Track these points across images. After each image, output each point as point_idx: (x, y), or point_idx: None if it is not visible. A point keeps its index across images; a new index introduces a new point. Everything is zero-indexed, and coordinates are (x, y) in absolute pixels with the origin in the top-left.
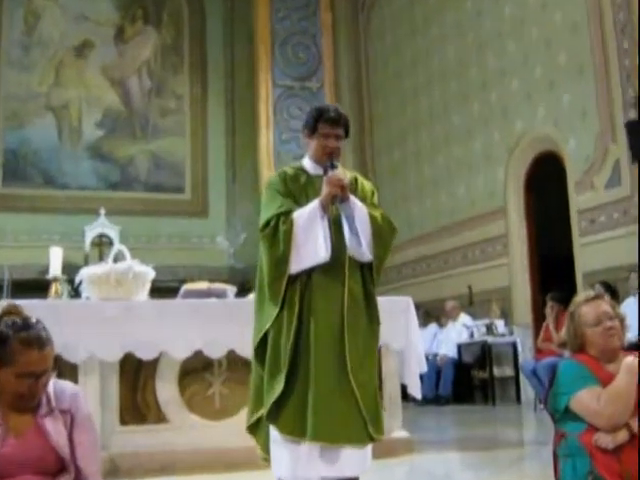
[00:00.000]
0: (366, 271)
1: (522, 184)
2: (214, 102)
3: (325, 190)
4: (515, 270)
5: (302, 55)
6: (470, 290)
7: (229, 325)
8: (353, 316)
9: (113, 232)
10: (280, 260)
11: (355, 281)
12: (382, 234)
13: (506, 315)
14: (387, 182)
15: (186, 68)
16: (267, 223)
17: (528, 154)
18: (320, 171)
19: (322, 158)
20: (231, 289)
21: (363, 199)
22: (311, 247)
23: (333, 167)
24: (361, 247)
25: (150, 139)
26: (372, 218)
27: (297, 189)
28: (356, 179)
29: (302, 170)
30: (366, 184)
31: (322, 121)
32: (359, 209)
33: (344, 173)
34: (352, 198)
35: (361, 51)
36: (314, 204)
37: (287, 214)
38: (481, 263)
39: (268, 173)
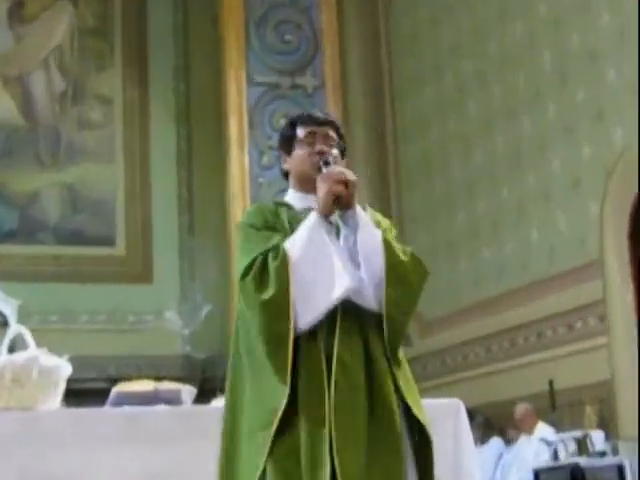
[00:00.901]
0: (374, 333)
1: (626, 225)
2: (159, 111)
3: (322, 189)
4: (619, 355)
5: (290, 38)
6: (551, 387)
7: (185, 447)
8: (348, 414)
9: (8, 307)
10: (275, 314)
11: (352, 343)
12: (403, 272)
13: (607, 425)
14: (421, 228)
15: (117, 61)
16: (249, 266)
17: (633, 179)
18: (310, 202)
19: (309, 170)
20: (188, 391)
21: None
22: (324, 279)
23: (327, 164)
24: (361, 283)
25: (63, 166)
26: (388, 246)
27: (280, 225)
28: (374, 214)
29: (284, 205)
30: (380, 217)
31: (300, 124)
32: (366, 227)
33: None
34: (359, 210)
35: (380, 32)
36: (311, 218)
37: (277, 249)
38: (567, 346)
39: (242, 214)
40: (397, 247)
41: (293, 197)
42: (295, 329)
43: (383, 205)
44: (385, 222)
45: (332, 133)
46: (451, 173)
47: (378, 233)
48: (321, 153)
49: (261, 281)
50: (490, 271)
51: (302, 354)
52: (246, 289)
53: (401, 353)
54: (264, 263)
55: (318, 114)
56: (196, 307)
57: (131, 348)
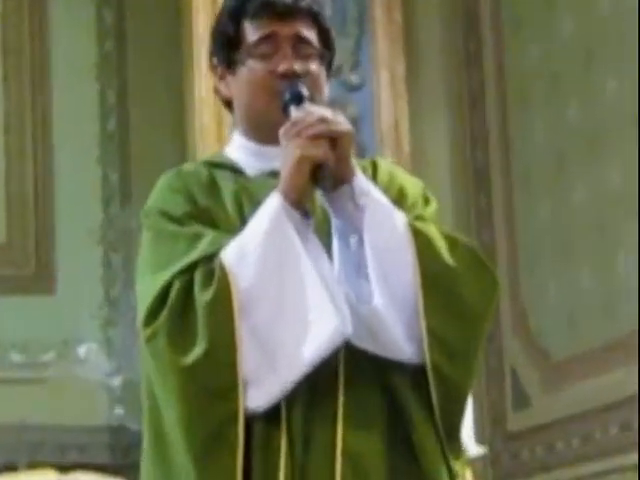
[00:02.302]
0: (410, 398)
1: None
2: (75, 28)
3: (289, 152)
4: None
5: None
6: None
7: None
8: None
9: None
10: (208, 388)
11: (368, 422)
12: (452, 287)
13: None
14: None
15: None
16: (158, 300)
17: None
18: (271, 160)
19: (267, 107)
20: None
21: (397, 203)
22: (295, 320)
23: (300, 99)
24: (372, 309)
25: None
26: (422, 242)
27: (217, 208)
28: (374, 163)
29: (225, 167)
30: (403, 175)
31: (248, 16)
32: (378, 213)
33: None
34: (360, 180)
35: None
36: (270, 206)
37: (209, 263)
38: None
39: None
40: (438, 239)
41: (241, 150)
42: (245, 412)
43: None
44: (411, 185)
45: (308, 32)
46: None
47: (400, 219)
48: (287, 76)
49: (181, 331)
50: None
51: (258, 454)
52: (153, 344)
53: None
54: (186, 294)
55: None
56: (133, 336)
57: (17, 412)
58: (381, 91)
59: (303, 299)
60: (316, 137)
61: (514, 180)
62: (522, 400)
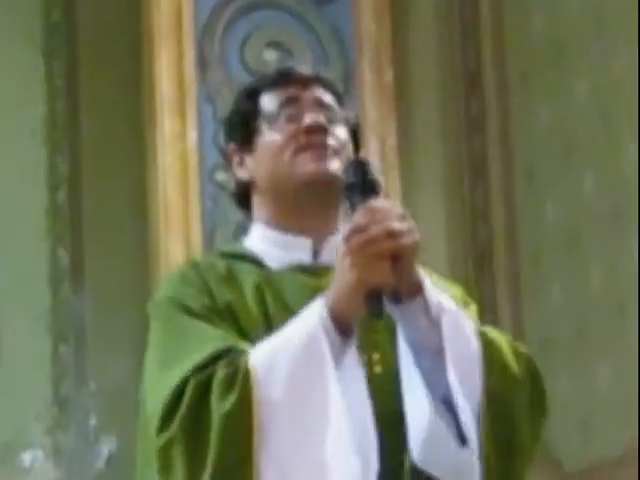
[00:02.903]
0: None
1: None
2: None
3: (347, 271)
4: None
5: None
6: None
7: None
8: None
9: None
10: None
11: None
12: (522, 404)
13: None
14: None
15: None
16: (172, 403)
17: None
18: (301, 251)
19: (297, 170)
20: None
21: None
22: (313, 457)
23: (366, 184)
24: (465, 448)
25: None
26: (496, 354)
27: (236, 297)
28: None
29: (245, 259)
30: (442, 280)
31: (267, 88)
32: (459, 321)
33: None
34: (430, 288)
35: None
36: (311, 319)
37: (230, 357)
38: None
39: (163, 281)
40: (503, 346)
41: (262, 240)
42: None
43: None
44: (453, 289)
45: (327, 97)
46: None
47: (472, 327)
48: (313, 130)
49: (195, 443)
50: None
51: None
52: (167, 454)
53: None
54: (201, 397)
55: (298, 65)
56: (85, 442)
57: None
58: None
59: (324, 432)
60: (379, 255)
61: (520, 261)
62: None
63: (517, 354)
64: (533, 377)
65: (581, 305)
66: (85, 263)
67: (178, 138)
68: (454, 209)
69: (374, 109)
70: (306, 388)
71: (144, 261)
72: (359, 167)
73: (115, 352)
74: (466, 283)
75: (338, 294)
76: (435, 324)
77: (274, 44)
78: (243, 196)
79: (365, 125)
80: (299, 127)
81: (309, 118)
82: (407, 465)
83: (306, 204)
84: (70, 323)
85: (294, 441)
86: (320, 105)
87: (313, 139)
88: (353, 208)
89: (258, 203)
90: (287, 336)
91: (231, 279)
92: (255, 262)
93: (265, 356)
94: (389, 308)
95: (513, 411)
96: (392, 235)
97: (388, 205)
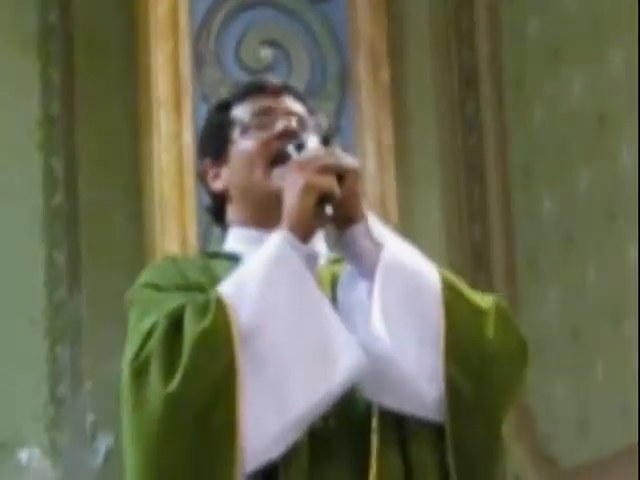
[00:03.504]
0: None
1: None
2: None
3: (294, 183)
4: None
5: None
6: None
7: None
8: None
9: None
10: (200, 432)
11: None
12: (482, 331)
13: None
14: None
15: None
16: (146, 336)
17: None
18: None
19: (266, 176)
20: None
21: None
22: (305, 353)
23: (300, 148)
24: (406, 367)
25: None
26: (451, 292)
27: (209, 281)
28: None
29: (222, 257)
30: None
31: (240, 99)
32: (398, 255)
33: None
34: (374, 217)
35: None
36: (272, 240)
37: (203, 302)
38: None
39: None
40: (457, 285)
41: (238, 240)
42: (246, 464)
43: None
44: None
45: (298, 107)
46: None
47: (427, 264)
48: (286, 135)
49: (168, 363)
50: None
51: None
52: (139, 380)
53: None
54: (174, 329)
55: (268, 78)
56: (82, 441)
57: None
58: (366, 161)
59: (318, 327)
60: (323, 170)
61: (517, 261)
62: None
63: (482, 297)
64: (503, 318)
65: (577, 304)
66: (81, 265)
67: (174, 137)
68: (450, 208)
69: (370, 108)
70: (284, 293)
71: (140, 263)
72: (299, 142)
73: (111, 352)
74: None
75: (291, 207)
76: (377, 246)
77: (270, 43)
78: (218, 209)
79: (361, 124)
80: (271, 134)
81: (281, 124)
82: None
83: (279, 208)
84: (66, 324)
85: (283, 347)
86: (291, 114)
87: (285, 144)
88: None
89: (233, 210)
90: (252, 260)
91: (206, 270)
92: (232, 258)
93: (232, 282)
94: (333, 234)
95: (482, 345)
96: (331, 154)
97: (323, 148)
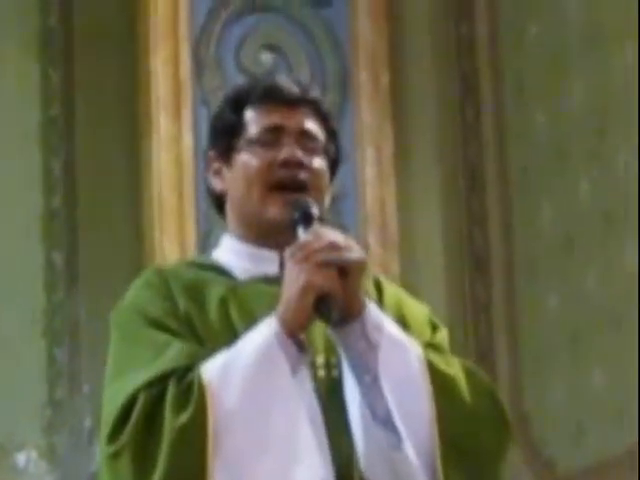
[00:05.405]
0: None
1: None
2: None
3: (294, 278)
4: None
5: None
6: None
7: None
8: None
9: None
10: None
11: None
12: (477, 431)
13: None
14: None
15: None
16: (123, 418)
17: None
18: (268, 264)
19: (265, 199)
20: None
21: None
22: (271, 457)
23: (307, 217)
24: (404, 455)
25: None
26: (441, 377)
27: (197, 308)
28: (378, 284)
29: (213, 270)
30: (409, 301)
31: (252, 103)
32: (397, 349)
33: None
34: (372, 312)
35: None
36: (264, 329)
37: (183, 375)
38: None
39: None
40: (453, 373)
41: (232, 253)
42: None
43: None
44: (417, 306)
45: (313, 125)
46: None
47: (415, 355)
48: (288, 164)
49: (145, 455)
50: None
51: None
52: (115, 464)
53: None
54: (153, 410)
55: (288, 85)
56: (79, 443)
57: None
58: (365, 168)
59: (289, 436)
60: (325, 265)
61: (516, 266)
62: None
63: (473, 376)
64: (496, 407)
65: (576, 308)
66: (80, 266)
67: (174, 141)
68: (450, 215)
69: (370, 114)
70: (261, 395)
71: (139, 264)
72: (302, 205)
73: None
74: (462, 288)
75: (288, 302)
76: (374, 348)
77: (270, 47)
78: (218, 202)
79: (361, 130)
80: (275, 158)
81: (286, 152)
82: (357, 472)
83: (272, 232)
84: (65, 326)
85: (251, 449)
86: (302, 135)
87: (286, 174)
88: (295, 231)
89: (229, 216)
90: (239, 348)
91: (194, 289)
92: (223, 272)
93: (219, 369)
94: (331, 331)
95: (470, 440)
96: (336, 247)
97: (331, 231)
